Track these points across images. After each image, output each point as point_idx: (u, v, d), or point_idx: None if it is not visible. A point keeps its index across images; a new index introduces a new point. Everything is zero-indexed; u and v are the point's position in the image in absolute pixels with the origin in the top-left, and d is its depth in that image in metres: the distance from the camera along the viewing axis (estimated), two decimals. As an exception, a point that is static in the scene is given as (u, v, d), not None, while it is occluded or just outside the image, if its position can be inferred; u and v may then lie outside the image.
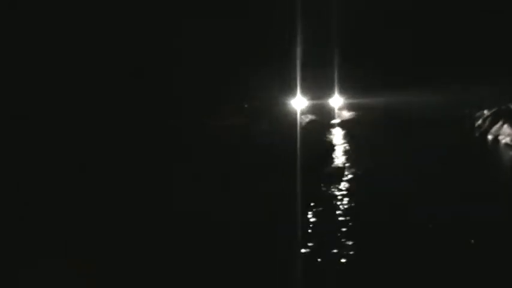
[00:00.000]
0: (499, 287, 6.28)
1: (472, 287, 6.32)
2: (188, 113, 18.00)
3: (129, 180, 11.20)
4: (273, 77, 21.56)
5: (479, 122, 18.60)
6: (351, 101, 28.91)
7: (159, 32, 18.73)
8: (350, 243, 7.78)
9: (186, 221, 8.78)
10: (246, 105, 22.20)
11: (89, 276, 6.65)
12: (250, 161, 13.14)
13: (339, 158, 15.67)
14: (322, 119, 25.02)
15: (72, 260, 7.10)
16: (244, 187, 10.68)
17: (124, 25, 17.86)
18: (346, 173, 13.13)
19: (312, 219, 9.12)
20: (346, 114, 26.72)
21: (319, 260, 7.20)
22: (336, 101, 28.55)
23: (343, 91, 28.97)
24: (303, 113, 22.40)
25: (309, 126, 22.01)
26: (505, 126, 16.84)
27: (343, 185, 11.76)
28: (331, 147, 17.81)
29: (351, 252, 7.41)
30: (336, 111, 27.56)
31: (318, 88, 25.64)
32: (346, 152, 16.96)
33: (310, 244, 7.78)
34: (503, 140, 16.73)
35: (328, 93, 28.22)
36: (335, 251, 7.47)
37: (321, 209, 9.80)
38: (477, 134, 18.23)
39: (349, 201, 10.29)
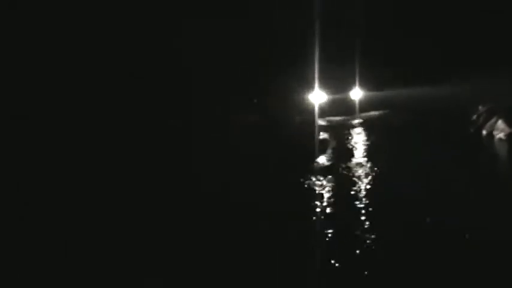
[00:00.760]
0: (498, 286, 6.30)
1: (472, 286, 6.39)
2: (195, 111, 17.99)
3: (129, 180, 11.35)
4: (280, 75, 21.51)
5: (474, 117, 19.03)
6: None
7: (159, 32, 18.75)
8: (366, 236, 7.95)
9: (190, 220, 8.97)
10: (255, 101, 22.02)
11: (89, 276, 6.81)
12: (264, 158, 13.36)
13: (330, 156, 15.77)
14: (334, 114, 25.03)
15: (72, 260, 7.25)
16: (261, 184, 11.00)
17: (124, 25, 17.90)
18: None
19: (326, 219, 9.19)
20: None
21: (332, 261, 7.16)
22: (356, 94, 28.53)
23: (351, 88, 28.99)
24: (313, 109, 22.12)
25: (322, 123, 22.05)
26: (499, 121, 17.26)
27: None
28: (328, 144, 17.89)
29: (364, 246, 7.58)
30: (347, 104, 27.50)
31: (331, 86, 25.33)
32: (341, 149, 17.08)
33: (320, 240, 7.98)
34: (498, 135, 17.17)
35: (344, 90, 28.18)
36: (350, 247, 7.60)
37: (336, 207, 9.80)
38: (472, 130, 18.61)
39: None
